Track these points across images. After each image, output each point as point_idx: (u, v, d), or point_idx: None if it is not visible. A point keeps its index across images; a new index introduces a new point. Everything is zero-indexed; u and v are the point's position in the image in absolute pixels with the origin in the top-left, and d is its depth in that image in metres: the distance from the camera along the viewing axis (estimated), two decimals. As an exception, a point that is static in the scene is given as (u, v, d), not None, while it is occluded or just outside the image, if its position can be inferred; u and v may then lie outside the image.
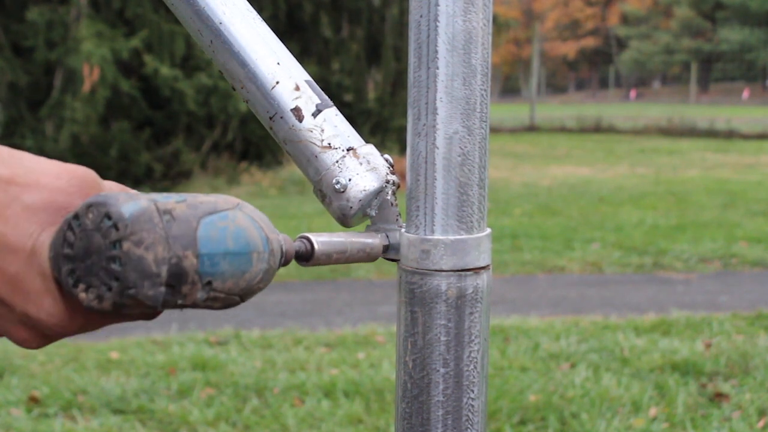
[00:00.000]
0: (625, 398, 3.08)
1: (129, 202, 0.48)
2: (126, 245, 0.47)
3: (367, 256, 0.64)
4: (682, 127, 19.35)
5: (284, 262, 0.57)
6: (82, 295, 0.48)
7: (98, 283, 0.48)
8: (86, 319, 0.52)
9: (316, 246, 0.60)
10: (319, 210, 7.69)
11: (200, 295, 0.50)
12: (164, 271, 0.48)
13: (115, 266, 0.47)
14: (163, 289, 0.48)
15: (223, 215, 0.51)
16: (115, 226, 0.47)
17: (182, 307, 0.50)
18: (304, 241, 0.60)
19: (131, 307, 0.48)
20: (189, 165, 10.04)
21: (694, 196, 9.02)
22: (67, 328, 0.52)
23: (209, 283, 0.50)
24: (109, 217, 0.47)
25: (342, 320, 4.29)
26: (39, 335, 0.53)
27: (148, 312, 0.51)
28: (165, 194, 0.51)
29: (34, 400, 3.08)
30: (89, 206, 0.48)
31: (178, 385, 3.21)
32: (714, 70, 43.07)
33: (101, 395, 3.11)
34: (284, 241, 0.57)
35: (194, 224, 0.49)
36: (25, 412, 2.99)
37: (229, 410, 3.00)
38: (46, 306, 0.51)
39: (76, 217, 0.48)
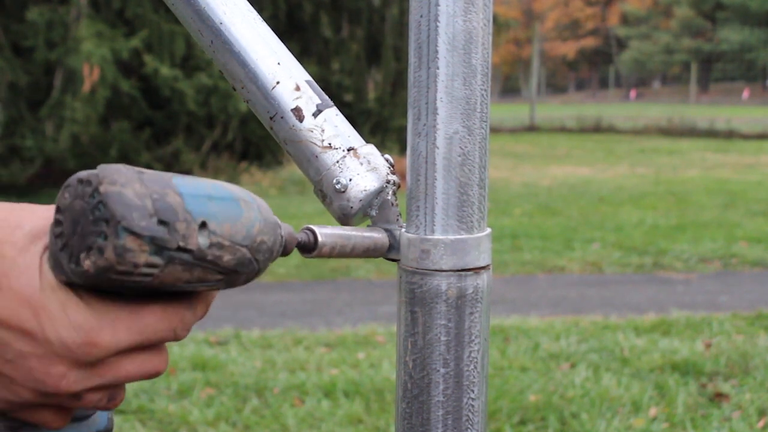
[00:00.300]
0: (625, 398, 3.08)
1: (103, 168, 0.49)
2: (102, 188, 0.47)
3: (373, 250, 0.63)
4: (682, 127, 19.35)
5: (285, 252, 0.57)
6: (87, 263, 0.47)
7: (93, 239, 0.47)
8: (114, 323, 0.50)
9: (319, 237, 0.59)
10: (320, 210, 7.69)
11: (202, 240, 0.49)
12: (148, 203, 0.47)
13: (100, 212, 0.47)
14: (155, 219, 0.47)
15: (199, 179, 0.52)
16: (88, 182, 0.48)
17: (190, 255, 0.48)
18: (308, 232, 0.60)
19: (136, 253, 0.47)
20: (189, 165, 10.04)
21: (694, 196, 9.02)
22: (101, 339, 0.50)
23: (204, 224, 0.49)
24: (80, 181, 0.48)
25: (342, 320, 4.29)
26: (74, 363, 0.51)
27: (159, 269, 0.48)
28: None
29: (34, 400, 3.08)
30: (64, 188, 0.49)
31: (178, 385, 3.22)
32: (714, 70, 43.07)
33: (101, 395, 3.10)
34: (284, 228, 0.57)
35: (167, 178, 0.49)
36: (25, 412, 2.99)
37: (229, 410, 3.00)
38: (71, 318, 0.50)
39: (57, 209, 0.49)
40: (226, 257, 0.50)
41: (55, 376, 0.50)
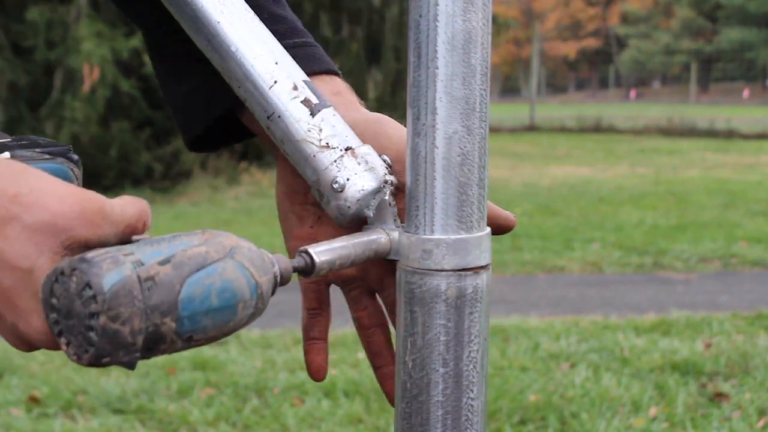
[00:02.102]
0: (625, 398, 3.08)
1: (111, 270, 0.48)
2: (102, 319, 0.48)
3: (374, 254, 0.63)
4: (682, 127, 19.33)
5: (282, 284, 0.58)
6: (64, 347, 0.50)
7: (77, 343, 0.49)
8: None
9: (315, 258, 0.60)
10: (319, 210, 7.68)
11: (180, 346, 0.52)
12: (140, 340, 0.49)
13: (92, 335, 0.49)
14: (138, 354, 0.50)
15: (211, 269, 0.51)
16: (94, 298, 0.48)
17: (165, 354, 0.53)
18: (303, 255, 0.60)
19: (109, 366, 0.50)
20: (189, 165, 10.03)
21: (694, 196, 9.02)
22: (54, 345, 0.53)
23: (189, 337, 0.51)
24: (90, 286, 0.48)
25: (342, 320, 4.28)
26: (27, 344, 0.54)
27: None
28: (155, 246, 0.51)
29: (34, 400, 3.08)
30: (73, 269, 0.49)
31: (178, 384, 3.21)
32: (714, 70, 43.04)
33: (101, 395, 3.11)
34: (280, 264, 0.57)
35: (177, 288, 0.50)
36: (25, 412, 2.99)
37: (229, 410, 3.00)
38: (34, 324, 0.52)
39: (62, 273, 0.49)
40: (198, 347, 0.53)
41: (10, 342, 0.55)
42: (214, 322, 0.52)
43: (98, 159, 9.34)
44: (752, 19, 40.68)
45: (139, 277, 0.49)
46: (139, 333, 0.49)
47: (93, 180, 9.40)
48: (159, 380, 3.27)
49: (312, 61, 0.73)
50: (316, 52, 0.74)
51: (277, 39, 0.70)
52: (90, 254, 0.49)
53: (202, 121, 0.76)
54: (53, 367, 3.42)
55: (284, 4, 0.76)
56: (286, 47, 0.71)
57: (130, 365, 0.50)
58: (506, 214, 0.70)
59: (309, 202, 0.72)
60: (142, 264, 0.49)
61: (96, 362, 0.49)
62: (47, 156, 0.61)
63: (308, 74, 0.70)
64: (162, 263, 0.50)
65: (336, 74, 0.74)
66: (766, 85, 41.62)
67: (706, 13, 45.30)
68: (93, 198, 0.52)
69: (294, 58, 0.70)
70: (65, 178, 0.60)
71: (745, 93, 37.18)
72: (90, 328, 0.48)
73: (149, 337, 0.49)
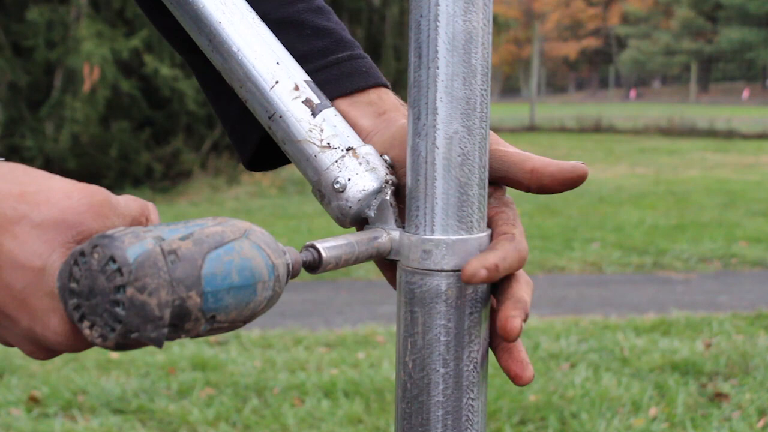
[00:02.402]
0: (625, 398, 3.08)
1: (134, 244, 0.48)
2: (130, 291, 0.47)
3: (376, 254, 0.63)
4: (682, 127, 19.32)
5: (292, 276, 0.58)
6: (87, 332, 0.49)
7: (102, 323, 0.48)
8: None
9: (323, 253, 0.60)
10: (319, 210, 7.68)
11: (204, 328, 0.51)
12: (167, 314, 0.48)
13: (118, 310, 0.48)
14: (165, 330, 0.49)
15: (229, 247, 0.51)
16: (119, 271, 0.48)
17: (188, 336, 0.52)
18: (311, 250, 0.60)
19: (134, 347, 0.49)
20: (189, 165, 10.03)
21: (694, 196, 9.02)
22: (73, 347, 0.52)
23: (213, 317, 0.51)
24: (113, 260, 0.48)
25: (342, 320, 4.29)
26: (45, 350, 0.53)
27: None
28: (172, 226, 0.51)
29: (34, 400, 3.08)
30: (95, 246, 0.48)
31: (178, 384, 3.21)
32: (714, 70, 43.04)
33: (101, 395, 3.11)
34: (290, 255, 0.57)
35: (199, 262, 0.50)
36: (25, 412, 2.99)
37: (229, 410, 3.00)
38: (52, 325, 0.51)
39: (82, 253, 0.49)
40: (220, 333, 0.53)
41: (26, 350, 0.54)
42: (236, 301, 0.51)
43: (98, 159, 9.34)
44: (752, 19, 40.66)
45: (162, 250, 0.48)
46: (165, 306, 0.48)
47: (93, 180, 9.36)
48: (159, 380, 3.27)
49: (358, 76, 0.71)
50: (363, 64, 0.71)
51: (323, 56, 0.70)
52: (110, 231, 0.49)
53: (252, 140, 0.76)
54: (53, 367, 3.42)
55: (328, 11, 0.74)
56: (332, 63, 0.70)
57: (158, 341, 0.49)
58: (571, 164, 0.61)
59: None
60: (163, 239, 0.49)
61: (123, 340, 0.48)
62: None
63: (355, 91, 0.69)
64: (182, 239, 0.50)
65: (385, 86, 0.72)
66: (766, 85, 41.62)
67: (706, 13, 45.29)
68: (98, 191, 0.52)
69: (340, 74, 0.70)
70: None
71: (745, 93, 37.17)
72: (116, 303, 0.48)
73: (175, 312, 0.49)
